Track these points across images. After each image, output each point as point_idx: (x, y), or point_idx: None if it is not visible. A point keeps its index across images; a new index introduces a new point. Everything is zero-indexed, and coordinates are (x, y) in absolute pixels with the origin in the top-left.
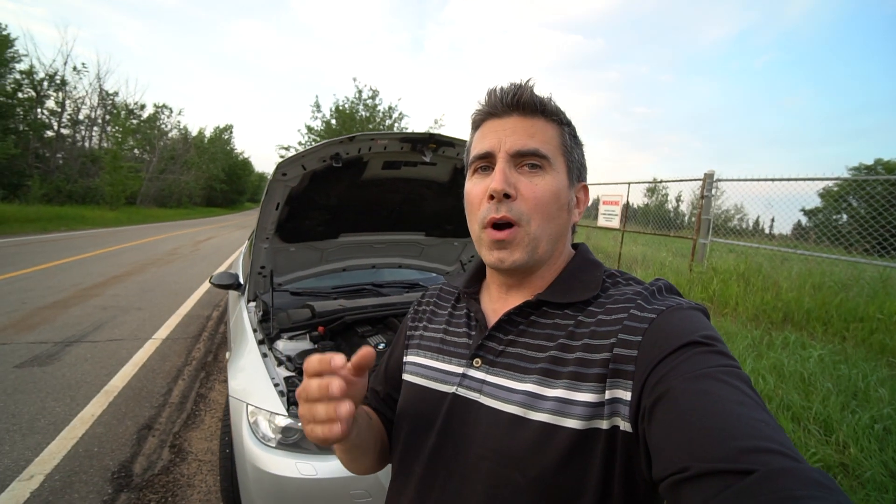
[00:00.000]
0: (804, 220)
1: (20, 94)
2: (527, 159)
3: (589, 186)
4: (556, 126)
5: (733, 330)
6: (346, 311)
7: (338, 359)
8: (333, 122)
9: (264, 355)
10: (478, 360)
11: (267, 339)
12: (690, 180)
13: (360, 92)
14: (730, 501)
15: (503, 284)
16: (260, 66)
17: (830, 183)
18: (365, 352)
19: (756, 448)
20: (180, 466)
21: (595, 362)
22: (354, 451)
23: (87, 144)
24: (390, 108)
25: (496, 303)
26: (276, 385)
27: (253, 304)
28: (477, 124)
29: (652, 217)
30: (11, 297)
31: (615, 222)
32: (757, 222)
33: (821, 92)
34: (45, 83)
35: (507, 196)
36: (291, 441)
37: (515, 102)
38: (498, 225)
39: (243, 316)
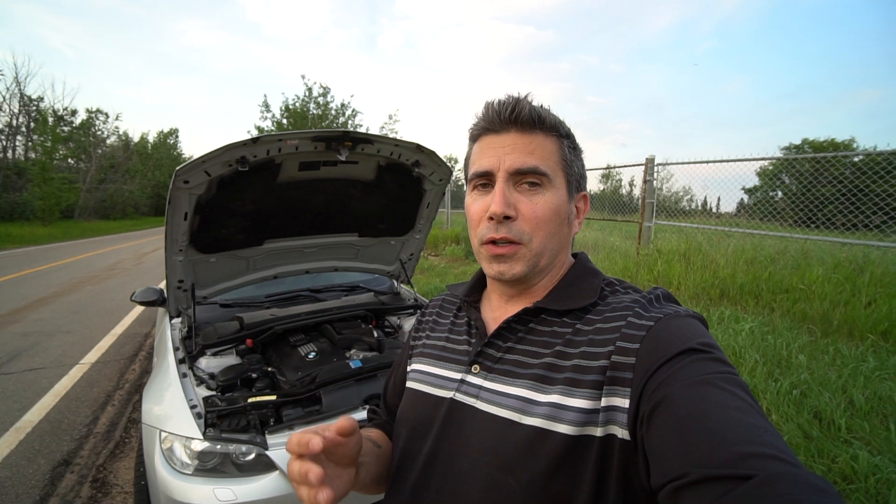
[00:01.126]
0: (746, 198)
1: None
2: (526, 177)
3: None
4: (556, 140)
5: None
6: (278, 321)
7: (315, 442)
8: (284, 121)
9: (183, 375)
10: (476, 366)
11: (188, 358)
12: (634, 165)
13: (309, 90)
14: None
15: (503, 294)
16: (206, 66)
17: (766, 163)
18: (342, 423)
19: (755, 454)
20: (102, 502)
21: (592, 369)
22: (366, 489)
23: (9, 155)
24: (343, 105)
25: (496, 311)
26: (192, 406)
27: (178, 320)
28: (475, 138)
29: (607, 202)
30: None
31: None
32: (705, 203)
33: (756, 77)
34: None
35: (507, 217)
36: (210, 466)
37: (514, 118)
38: (498, 241)
39: (166, 334)
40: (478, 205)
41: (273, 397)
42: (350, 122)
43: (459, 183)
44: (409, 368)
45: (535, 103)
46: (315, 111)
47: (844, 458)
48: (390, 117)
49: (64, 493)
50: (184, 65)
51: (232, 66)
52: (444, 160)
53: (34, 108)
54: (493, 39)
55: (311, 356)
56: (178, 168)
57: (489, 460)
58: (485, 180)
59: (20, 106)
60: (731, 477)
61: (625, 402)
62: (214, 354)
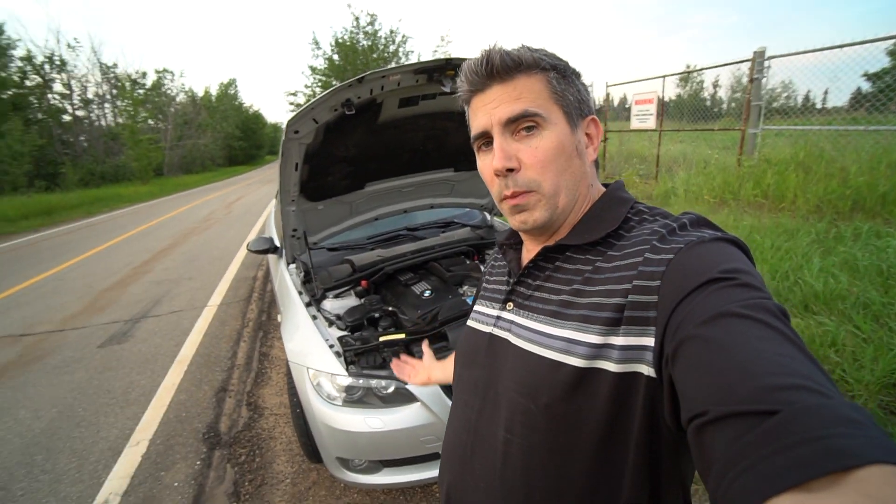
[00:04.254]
0: (866, 86)
1: (28, 83)
2: (520, 123)
3: (618, 86)
4: (540, 76)
5: (793, 226)
6: (386, 262)
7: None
8: (336, 56)
9: (314, 317)
10: (510, 303)
11: (314, 301)
12: (737, 62)
13: (357, 20)
14: (754, 446)
15: (534, 239)
16: (251, 10)
17: None
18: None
19: (780, 385)
20: (259, 422)
21: (607, 306)
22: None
23: (103, 123)
24: (392, 32)
25: (532, 253)
26: (331, 346)
27: (293, 266)
28: (466, 102)
29: (686, 110)
30: (78, 283)
31: (651, 122)
32: (807, 98)
33: None
34: (47, 66)
35: (511, 170)
36: (356, 398)
37: (490, 72)
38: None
39: (286, 279)
40: (486, 164)
41: (402, 335)
42: (400, 49)
43: None
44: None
45: (507, 47)
46: (364, 42)
47: None
48: (442, 39)
49: (229, 413)
50: (228, 12)
51: (276, 5)
52: None
53: (112, 74)
54: None
55: (426, 294)
56: (288, 119)
57: (514, 387)
58: (486, 140)
59: (101, 74)
60: (754, 413)
61: (651, 341)
62: (336, 297)
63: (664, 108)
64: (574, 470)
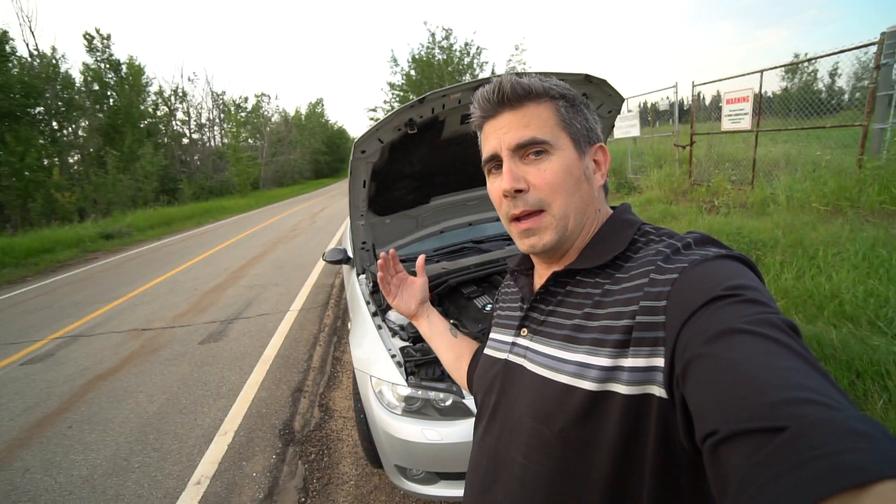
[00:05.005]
0: None
1: (158, 113)
2: (529, 149)
3: (708, 84)
4: (549, 104)
5: None
6: (450, 274)
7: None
8: (413, 72)
9: (379, 327)
10: (524, 329)
11: (380, 311)
12: (857, 48)
13: (433, 35)
14: (763, 466)
15: (544, 263)
16: (335, 33)
17: None
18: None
19: (787, 400)
20: (329, 423)
21: (616, 329)
22: (435, 341)
23: (212, 143)
24: (466, 44)
25: (543, 278)
26: (392, 356)
27: (363, 276)
28: (479, 128)
29: (794, 104)
30: (187, 285)
31: (745, 122)
32: None
33: None
34: (172, 98)
35: (519, 191)
36: (415, 408)
37: (501, 99)
38: (521, 217)
39: (356, 289)
40: (495, 187)
41: None
42: (475, 60)
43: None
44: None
45: (522, 79)
46: (440, 56)
47: None
48: (516, 48)
49: (303, 412)
50: (313, 36)
51: (357, 27)
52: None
53: (221, 101)
54: None
55: (487, 308)
56: (355, 140)
57: (530, 412)
58: (495, 163)
59: (213, 101)
60: (763, 430)
61: (661, 362)
62: None
63: (762, 105)
64: (592, 496)
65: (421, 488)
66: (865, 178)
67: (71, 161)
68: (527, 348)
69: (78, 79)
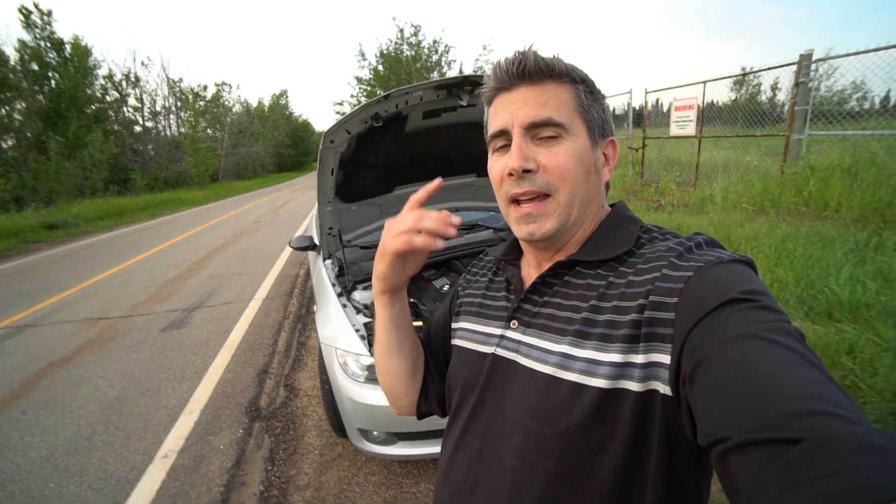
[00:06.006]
0: None
1: (108, 98)
2: (542, 130)
3: (658, 92)
4: (569, 87)
5: (831, 234)
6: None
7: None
8: (381, 67)
9: (344, 306)
10: (514, 321)
11: (345, 292)
12: (780, 66)
13: (401, 31)
14: (777, 477)
15: (537, 254)
16: (300, 24)
17: None
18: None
19: (804, 411)
20: (294, 401)
21: (623, 323)
22: (391, 334)
23: (167, 133)
24: (434, 42)
25: (533, 268)
26: (357, 331)
27: (329, 261)
28: (489, 101)
29: (741, 114)
30: (143, 276)
31: (690, 128)
32: (886, 99)
33: None
34: (124, 83)
35: (527, 171)
36: (377, 376)
37: (522, 72)
38: (521, 199)
39: (322, 273)
40: (498, 165)
41: (420, 323)
42: (443, 58)
43: None
44: (454, 326)
45: (543, 54)
46: (408, 52)
47: None
48: (484, 48)
49: (268, 391)
50: (279, 26)
51: (324, 19)
52: None
53: (178, 88)
54: None
55: (445, 288)
56: (325, 131)
57: (525, 411)
58: (503, 140)
59: (168, 89)
60: (778, 440)
61: (666, 359)
62: (364, 289)
63: (705, 113)
64: (591, 496)
65: (381, 449)
66: (785, 182)
67: (5, 146)
68: (519, 342)
69: (13, 56)
